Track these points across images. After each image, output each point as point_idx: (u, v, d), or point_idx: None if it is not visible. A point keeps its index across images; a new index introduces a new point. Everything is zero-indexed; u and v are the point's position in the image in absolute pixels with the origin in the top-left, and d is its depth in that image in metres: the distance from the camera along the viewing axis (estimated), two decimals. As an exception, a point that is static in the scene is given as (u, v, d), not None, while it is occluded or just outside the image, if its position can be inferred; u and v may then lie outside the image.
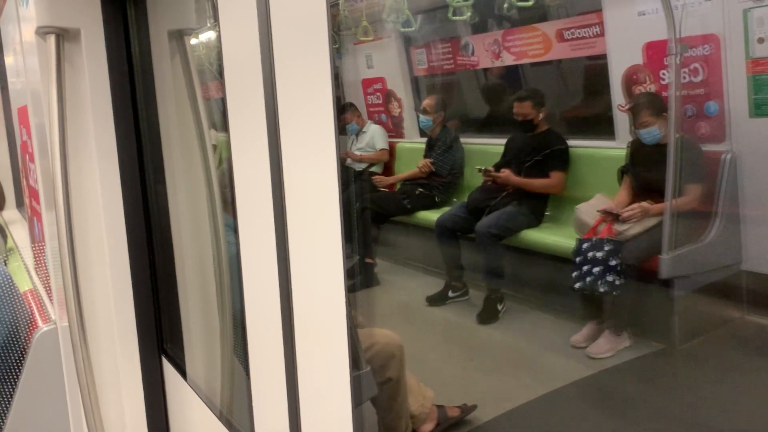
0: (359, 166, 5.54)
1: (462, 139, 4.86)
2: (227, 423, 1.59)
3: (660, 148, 3.18)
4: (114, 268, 1.81)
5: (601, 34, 3.89)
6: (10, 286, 2.05)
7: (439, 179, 4.82)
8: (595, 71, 4.13)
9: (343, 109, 5.61)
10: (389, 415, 2.28)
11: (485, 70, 5.13)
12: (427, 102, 4.88)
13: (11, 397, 1.89)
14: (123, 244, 1.81)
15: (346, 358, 1.02)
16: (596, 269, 3.13)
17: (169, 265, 1.91)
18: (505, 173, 3.99)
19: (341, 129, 5.68)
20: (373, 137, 5.58)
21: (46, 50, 1.64)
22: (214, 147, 1.73)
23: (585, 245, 3.22)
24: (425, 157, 4.94)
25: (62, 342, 1.85)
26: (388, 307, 4.24)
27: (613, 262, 3.10)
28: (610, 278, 3.09)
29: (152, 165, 1.87)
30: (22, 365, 1.90)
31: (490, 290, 3.88)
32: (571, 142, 3.96)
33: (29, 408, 1.88)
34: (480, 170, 4.11)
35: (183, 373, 1.83)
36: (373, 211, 4.78)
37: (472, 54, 5.01)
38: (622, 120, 3.80)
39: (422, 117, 4.91)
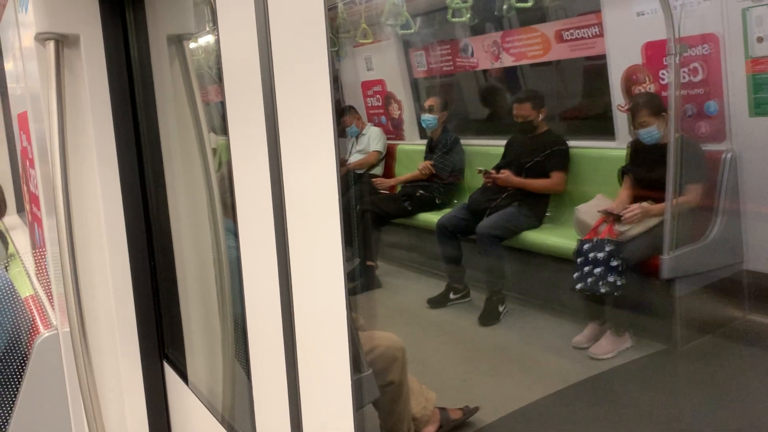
0: (359, 169, 5.54)
1: (462, 141, 4.86)
2: (229, 427, 1.59)
3: (660, 148, 3.18)
4: (115, 274, 1.80)
5: (600, 35, 3.89)
6: (11, 291, 2.05)
7: (440, 181, 4.81)
8: (595, 72, 4.13)
9: (342, 112, 5.61)
10: (391, 418, 2.27)
11: (485, 71, 5.13)
12: (431, 100, 4.88)
13: (13, 404, 1.89)
14: (124, 249, 1.81)
15: (348, 362, 1.02)
16: (597, 270, 3.13)
17: (170, 270, 1.91)
18: (505, 174, 3.99)
19: (341, 132, 5.68)
20: (369, 139, 5.58)
21: (45, 56, 1.64)
22: (214, 151, 1.73)
23: (586, 246, 3.22)
24: (426, 159, 4.94)
25: (63, 347, 1.84)
26: (389, 310, 4.24)
27: (614, 263, 3.09)
28: (611, 279, 3.09)
29: (152, 170, 1.87)
30: (23, 371, 1.90)
31: (492, 292, 3.87)
32: (571, 143, 3.96)
33: (31, 414, 1.88)
34: (480, 171, 4.12)
35: (185, 377, 1.83)
36: (373, 213, 4.78)
37: (472, 55, 5.01)
38: (621, 120, 3.80)
39: (426, 115, 4.89)
